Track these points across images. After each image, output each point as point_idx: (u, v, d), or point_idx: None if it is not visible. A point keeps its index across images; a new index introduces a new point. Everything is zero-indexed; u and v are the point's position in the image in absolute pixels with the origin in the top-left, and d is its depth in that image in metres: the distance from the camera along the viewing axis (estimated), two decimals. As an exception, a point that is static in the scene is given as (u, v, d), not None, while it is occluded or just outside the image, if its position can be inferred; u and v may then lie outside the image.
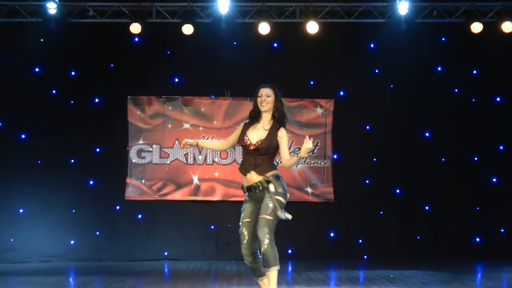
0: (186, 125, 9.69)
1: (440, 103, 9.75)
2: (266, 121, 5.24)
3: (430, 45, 9.56)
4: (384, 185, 9.72)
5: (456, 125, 9.78)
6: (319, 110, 9.71)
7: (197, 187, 9.66)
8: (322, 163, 9.69)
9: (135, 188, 9.64)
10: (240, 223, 5.14)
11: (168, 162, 9.68)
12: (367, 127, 9.78)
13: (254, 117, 5.27)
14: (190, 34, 9.10)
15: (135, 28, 9.06)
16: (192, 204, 9.66)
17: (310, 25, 9.03)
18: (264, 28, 9.07)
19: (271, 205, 4.99)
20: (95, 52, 9.56)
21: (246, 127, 5.27)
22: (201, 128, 9.72)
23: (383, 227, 9.66)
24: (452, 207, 9.74)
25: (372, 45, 9.72)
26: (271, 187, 5.02)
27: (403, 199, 9.74)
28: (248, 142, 5.16)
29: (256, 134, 5.20)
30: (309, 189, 9.65)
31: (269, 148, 5.15)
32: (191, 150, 9.68)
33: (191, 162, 9.67)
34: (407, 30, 8.96)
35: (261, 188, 5.06)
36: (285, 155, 5.14)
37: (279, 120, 5.21)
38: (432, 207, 9.77)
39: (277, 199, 5.01)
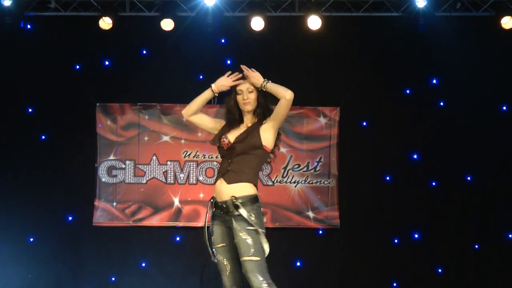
0: (166, 138, 9.55)
1: (465, 110, 9.53)
2: (249, 120, 4.91)
3: (453, 43, 9.32)
4: (400, 208, 9.48)
5: (486, 137, 9.56)
6: (323, 120, 9.56)
7: (179, 211, 9.51)
8: (326, 182, 9.52)
9: (105, 212, 9.47)
10: (214, 250, 4.78)
11: (144, 182, 9.54)
12: (379, 140, 9.55)
13: (234, 120, 4.90)
14: (170, 30, 9.04)
15: (105, 23, 8.98)
16: (173, 231, 9.50)
17: (311, 19, 8.95)
18: (257, 23, 9.00)
19: (249, 240, 4.55)
20: (57, 51, 9.36)
21: (227, 129, 4.90)
22: (183, 141, 9.55)
23: (399, 259, 9.44)
24: (482, 234, 9.49)
25: (384, 43, 9.44)
26: (243, 213, 4.58)
27: (422, 225, 9.51)
28: (226, 141, 4.80)
29: (237, 132, 4.85)
30: (310, 213, 9.48)
31: (248, 145, 4.71)
32: (171, 167, 9.52)
33: (171, 181, 9.52)
34: (425, 25, 8.86)
35: (227, 210, 4.64)
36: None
37: (263, 116, 4.85)
38: (457, 236, 9.52)
39: (251, 230, 4.57)
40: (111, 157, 9.52)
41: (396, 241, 9.49)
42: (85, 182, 9.45)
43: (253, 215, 4.61)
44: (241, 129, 4.84)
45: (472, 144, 9.57)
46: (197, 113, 4.96)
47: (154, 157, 9.54)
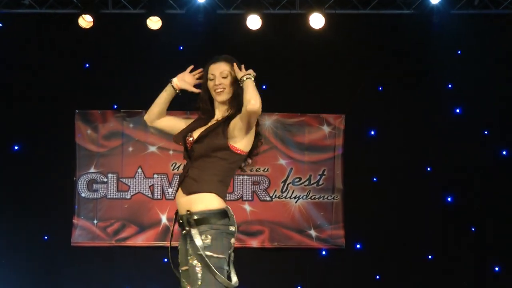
0: (152, 148, 9.47)
1: (483, 117, 9.43)
2: (221, 113, 4.27)
3: (470, 44, 9.27)
4: (411, 227, 9.34)
5: (509, 147, 9.47)
6: (326, 129, 9.49)
7: (166, 229, 9.38)
8: (329, 197, 9.43)
9: (85, 231, 9.38)
10: (177, 271, 4.20)
11: (128, 197, 9.46)
12: (389, 151, 9.44)
13: (206, 111, 4.27)
14: (158, 29, 8.98)
15: (85, 21, 8.90)
16: (160, 252, 9.30)
17: (313, 17, 8.86)
18: (254, 22, 8.92)
19: (198, 269, 3.95)
20: (32, 52, 9.30)
21: (197, 123, 4.27)
22: (171, 152, 9.44)
23: (411, 283, 9.31)
24: (503, 256, 9.31)
25: (394, 44, 9.39)
26: (196, 237, 3.96)
27: (436, 245, 9.39)
28: (190, 139, 4.21)
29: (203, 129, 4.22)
30: (312, 232, 9.38)
31: (209, 145, 4.11)
32: (159, 181, 9.45)
33: (158, 197, 9.44)
34: (440, 24, 8.86)
35: (184, 228, 4.06)
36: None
37: (238, 109, 4.15)
38: (475, 257, 9.37)
39: (207, 256, 3.95)
40: (92, 170, 9.46)
41: (407, 262, 9.34)
42: (62, 197, 9.38)
43: (209, 236, 3.99)
44: (209, 125, 4.25)
45: (493, 155, 9.50)
46: (161, 116, 4.40)
47: (140, 170, 9.46)
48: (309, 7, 8.89)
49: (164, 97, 4.38)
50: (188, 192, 4.08)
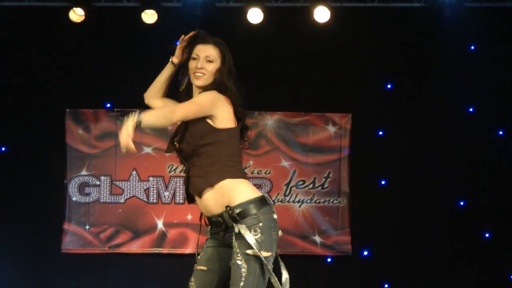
0: (147, 149, 9.40)
1: (497, 117, 9.31)
2: None
3: (484, 39, 9.17)
4: (422, 232, 9.22)
5: None
6: (332, 129, 9.43)
7: (163, 235, 9.38)
8: (335, 201, 9.37)
9: (76, 237, 9.36)
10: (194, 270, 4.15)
11: (122, 201, 9.43)
12: (398, 152, 9.34)
13: (184, 97, 4.08)
14: (153, 24, 8.91)
15: (77, 14, 8.93)
16: (156, 259, 9.38)
17: (318, 11, 8.82)
18: (255, 15, 8.90)
19: (244, 270, 3.78)
20: (20, 48, 9.28)
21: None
22: (167, 154, 9.08)
23: None
24: None
25: (403, 39, 9.29)
26: (246, 234, 3.79)
27: (448, 252, 9.26)
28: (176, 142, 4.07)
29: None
30: (317, 238, 9.32)
31: (192, 137, 3.92)
32: (154, 184, 9.41)
33: (154, 201, 9.39)
34: (452, 18, 8.80)
35: (224, 227, 3.90)
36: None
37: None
38: (489, 265, 9.22)
39: (250, 256, 3.79)
40: (83, 172, 9.43)
41: (417, 270, 9.26)
42: (52, 201, 9.31)
43: (259, 231, 3.83)
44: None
45: (508, 155, 9.40)
46: (158, 95, 4.27)
47: (134, 172, 9.44)
48: (314, 0, 8.83)
49: (162, 76, 4.27)
50: (199, 191, 3.90)
